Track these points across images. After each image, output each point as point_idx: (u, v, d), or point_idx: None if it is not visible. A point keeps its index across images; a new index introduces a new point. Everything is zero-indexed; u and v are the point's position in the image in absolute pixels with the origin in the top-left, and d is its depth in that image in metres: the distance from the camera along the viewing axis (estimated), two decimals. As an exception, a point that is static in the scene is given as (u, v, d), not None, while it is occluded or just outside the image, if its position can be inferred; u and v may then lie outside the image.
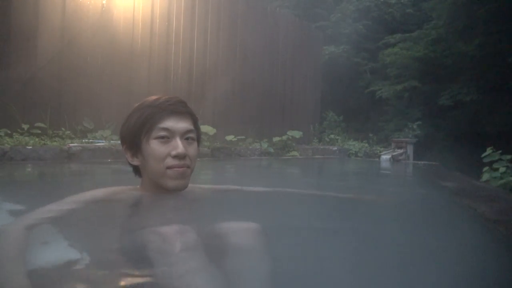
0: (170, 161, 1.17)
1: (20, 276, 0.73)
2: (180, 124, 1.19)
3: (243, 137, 6.26)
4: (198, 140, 1.30)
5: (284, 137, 6.60)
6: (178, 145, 1.16)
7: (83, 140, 4.30)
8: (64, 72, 4.64)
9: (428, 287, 0.96)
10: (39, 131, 4.24)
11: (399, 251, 1.19)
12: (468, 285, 0.97)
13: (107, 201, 1.19)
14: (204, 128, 5.52)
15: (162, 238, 0.80)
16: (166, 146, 1.17)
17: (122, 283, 0.79)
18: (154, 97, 1.23)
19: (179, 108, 1.21)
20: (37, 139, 3.86)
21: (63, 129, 4.49)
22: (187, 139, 1.21)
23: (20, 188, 2.32)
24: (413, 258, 1.13)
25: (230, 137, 5.94)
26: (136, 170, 1.28)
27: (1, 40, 4.16)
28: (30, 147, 3.47)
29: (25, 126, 4.16)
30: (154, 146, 1.17)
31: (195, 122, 1.27)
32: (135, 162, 1.24)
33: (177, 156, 1.16)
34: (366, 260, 1.08)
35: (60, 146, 3.68)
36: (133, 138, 1.20)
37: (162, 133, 1.17)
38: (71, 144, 3.77)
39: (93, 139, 4.46)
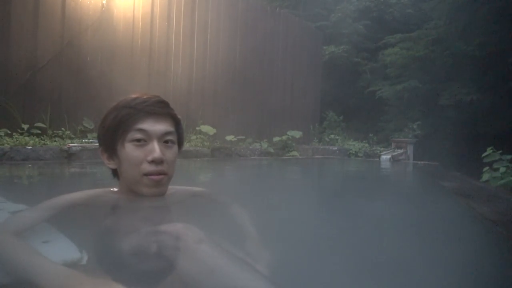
0: (146, 167, 1.08)
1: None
2: (157, 126, 1.10)
3: (243, 137, 6.26)
4: (180, 143, 1.21)
5: (284, 137, 6.60)
6: (155, 149, 1.07)
7: (83, 140, 4.30)
8: (64, 72, 4.64)
9: (428, 287, 0.96)
10: (39, 131, 4.24)
11: (400, 251, 1.19)
12: (468, 285, 0.97)
13: (85, 205, 1.12)
14: (204, 128, 5.53)
15: (174, 236, 0.79)
16: (142, 150, 1.08)
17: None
18: (132, 96, 1.14)
19: (156, 109, 1.11)
20: (37, 139, 3.85)
21: (63, 129, 4.49)
22: (166, 142, 1.12)
23: (20, 188, 2.32)
24: (413, 257, 1.13)
25: (230, 137, 5.94)
26: (115, 172, 1.19)
27: (1, 40, 4.16)
28: (30, 147, 3.47)
29: (25, 126, 4.16)
30: (129, 150, 1.08)
31: (176, 124, 1.18)
32: (112, 165, 1.15)
33: (153, 161, 1.07)
34: (366, 261, 1.08)
35: (60, 146, 3.68)
36: (108, 140, 1.12)
37: (138, 136, 1.08)
38: (71, 144, 3.77)
39: (93, 139, 4.46)
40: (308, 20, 9.86)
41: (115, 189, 1.21)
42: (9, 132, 3.94)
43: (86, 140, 4.33)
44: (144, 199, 1.12)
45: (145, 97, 1.14)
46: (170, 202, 1.21)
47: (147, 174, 1.09)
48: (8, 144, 3.45)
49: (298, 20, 8.57)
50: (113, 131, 1.10)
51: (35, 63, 4.38)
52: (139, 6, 5.34)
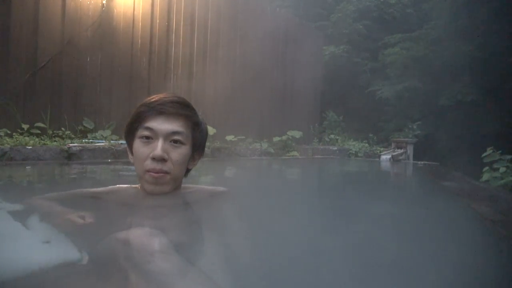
0: (148, 164, 1.12)
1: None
2: (165, 125, 1.12)
3: (243, 137, 6.26)
4: (197, 145, 1.22)
5: (284, 137, 6.60)
6: (157, 147, 1.11)
7: (83, 140, 4.30)
8: (64, 72, 4.64)
9: (428, 287, 0.96)
10: (39, 131, 4.24)
11: (400, 251, 1.19)
12: (468, 285, 0.97)
13: (105, 199, 1.22)
14: (204, 128, 5.52)
15: (128, 245, 0.75)
16: (148, 147, 1.12)
17: None
18: (155, 95, 1.18)
19: (166, 108, 1.13)
20: (37, 139, 3.85)
21: (63, 129, 4.49)
22: (175, 141, 1.14)
23: (19, 188, 2.32)
24: (413, 258, 1.13)
25: (230, 137, 5.95)
26: None
27: (1, 40, 4.15)
28: (30, 147, 3.47)
29: (25, 126, 4.16)
30: (137, 146, 1.14)
31: (191, 125, 1.19)
32: (131, 159, 1.22)
33: (154, 159, 1.11)
34: (366, 261, 1.08)
35: (60, 146, 3.68)
36: (127, 135, 1.20)
37: (146, 133, 1.13)
38: (71, 144, 3.77)
39: (93, 139, 4.46)
40: (308, 20, 9.86)
41: (134, 185, 1.26)
42: (9, 132, 3.94)
43: (86, 140, 4.33)
44: (156, 196, 1.16)
45: (162, 96, 1.16)
46: (183, 200, 1.22)
47: (148, 171, 1.12)
48: (8, 144, 3.44)
49: (298, 20, 8.57)
50: (129, 128, 1.18)
51: (35, 63, 4.39)
52: (139, 6, 5.34)
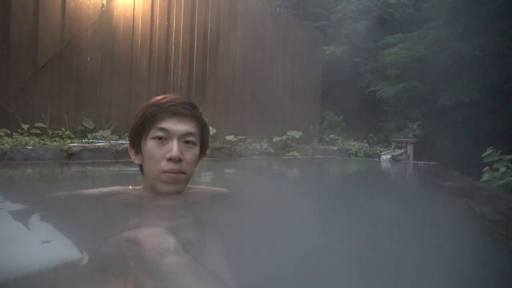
0: (164, 165, 1.13)
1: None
2: (179, 126, 1.14)
3: (243, 137, 6.26)
4: (204, 146, 1.24)
5: (284, 137, 6.60)
6: (173, 148, 1.12)
7: (83, 140, 4.30)
8: (64, 72, 4.64)
9: (428, 287, 0.96)
10: (39, 131, 4.24)
11: (399, 252, 1.19)
12: (468, 285, 0.97)
13: (106, 200, 1.21)
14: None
15: (137, 244, 0.74)
16: (162, 148, 1.13)
17: None
18: (161, 96, 1.19)
19: (180, 110, 1.15)
20: (37, 139, 3.86)
21: (63, 129, 4.49)
22: (187, 142, 1.16)
23: (19, 188, 2.32)
24: (412, 258, 1.13)
25: (230, 137, 5.95)
26: (141, 168, 1.26)
27: (1, 40, 4.16)
28: (30, 147, 3.47)
29: (25, 126, 4.17)
30: (150, 147, 1.14)
31: (201, 126, 1.22)
32: (137, 160, 1.22)
33: (171, 159, 1.12)
34: (366, 261, 1.08)
35: (60, 146, 3.68)
36: (135, 136, 1.19)
37: (159, 134, 1.13)
38: (71, 144, 3.77)
39: (93, 139, 4.46)
40: (308, 20, 9.86)
41: (137, 187, 1.27)
42: (9, 132, 3.94)
43: (86, 140, 4.33)
44: (160, 197, 1.17)
45: (172, 97, 1.18)
46: (187, 201, 1.23)
47: (164, 172, 1.13)
48: (8, 144, 3.44)
49: (298, 20, 8.57)
50: (139, 128, 1.17)
51: (35, 63, 4.39)
52: (139, 6, 5.34)
